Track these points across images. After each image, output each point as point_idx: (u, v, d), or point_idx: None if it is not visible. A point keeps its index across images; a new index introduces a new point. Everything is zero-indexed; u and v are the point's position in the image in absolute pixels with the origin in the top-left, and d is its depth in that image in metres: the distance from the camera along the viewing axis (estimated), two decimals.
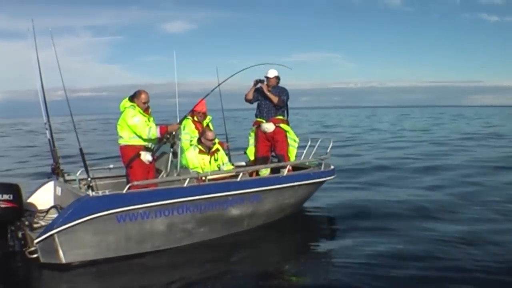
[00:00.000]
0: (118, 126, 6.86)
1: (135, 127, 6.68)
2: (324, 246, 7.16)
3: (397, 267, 5.76)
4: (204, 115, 8.14)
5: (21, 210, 6.06)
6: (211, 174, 6.96)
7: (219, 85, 8.09)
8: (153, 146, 6.94)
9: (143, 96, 6.90)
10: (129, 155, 6.79)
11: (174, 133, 6.90)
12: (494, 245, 6.51)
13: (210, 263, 6.20)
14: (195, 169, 7.33)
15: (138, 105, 6.84)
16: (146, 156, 6.78)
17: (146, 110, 6.95)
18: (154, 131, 6.71)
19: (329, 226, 8.19)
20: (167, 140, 6.92)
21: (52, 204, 6.76)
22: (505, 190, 10.24)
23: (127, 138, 6.79)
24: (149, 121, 6.87)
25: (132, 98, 6.92)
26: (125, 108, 6.84)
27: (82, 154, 6.38)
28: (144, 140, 6.79)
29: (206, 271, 5.96)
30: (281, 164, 7.85)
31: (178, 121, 7.26)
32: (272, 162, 8.49)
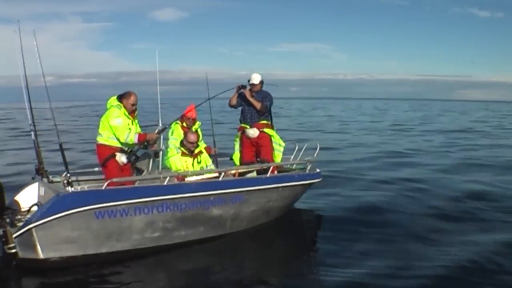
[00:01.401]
0: (100, 123, 6.92)
1: (116, 129, 6.74)
2: (309, 251, 7.24)
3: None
4: (193, 121, 8.22)
5: (3, 208, 6.12)
6: (191, 174, 7.00)
7: (209, 98, 8.32)
8: (129, 149, 6.99)
9: (132, 97, 6.95)
10: (105, 154, 6.85)
11: (151, 142, 7.00)
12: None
13: (190, 268, 6.28)
14: (178, 171, 7.38)
15: (125, 106, 6.90)
16: (121, 158, 6.84)
17: (132, 112, 7.00)
18: (132, 137, 6.78)
19: (316, 230, 8.20)
20: (144, 147, 7.02)
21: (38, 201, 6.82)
22: None
23: (105, 137, 6.85)
24: (132, 124, 6.93)
25: (120, 98, 6.96)
26: (111, 106, 6.90)
27: (61, 150, 6.47)
28: (121, 143, 6.85)
29: (187, 276, 6.06)
30: (264, 165, 7.88)
31: (159, 124, 7.33)
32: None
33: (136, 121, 7.06)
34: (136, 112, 7.11)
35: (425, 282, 5.60)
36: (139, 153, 7.21)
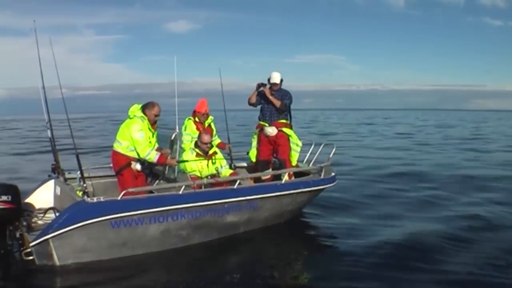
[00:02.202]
0: (119, 130, 6.89)
1: (138, 143, 6.72)
2: (320, 250, 7.26)
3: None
4: (206, 116, 8.15)
5: (19, 211, 6.14)
6: (207, 182, 6.98)
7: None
8: (145, 161, 6.98)
9: (155, 108, 6.90)
10: (121, 163, 6.86)
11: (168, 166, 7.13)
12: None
13: (204, 264, 6.29)
14: (193, 172, 7.38)
15: (148, 117, 6.85)
16: (136, 166, 6.86)
17: (153, 123, 6.96)
18: (152, 157, 6.78)
19: (329, 230, 8.16)
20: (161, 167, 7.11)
21: (51, 203, 6.90)
22: None
23: (124, 146, 6.84)
24: (152, 137, 6.91)
25: (144, 109, 6.90)
26: (134, 115, 6.85)
27: (78, 159, 6.45)
28: (139, 155, 6.84)
29: (200, 272, 6.06)
30: (280, 171, 7.82)
31: (176, 129, 7.28)
32: (274, 165, 8.52)
33: (156, 133, 7.03)
34: (156, 125, 7.07)
35: None
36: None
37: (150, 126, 6.86)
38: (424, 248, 6.82)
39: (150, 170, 7.28)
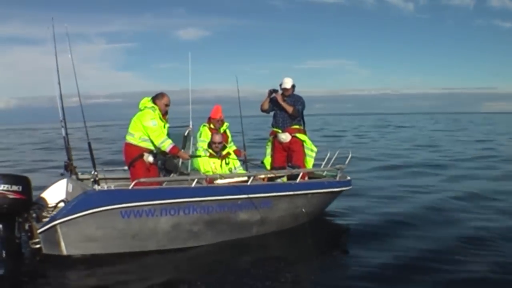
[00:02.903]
0: (131, 123, 6.86)
1: (151, 130, 6.68)
2: (336, 255, 7.02)
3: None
4: (221, 122, 8.13)
5: (29, 202, 6.10)
6: (220, 178, 6.87)
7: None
8: (157, 151, 6.91)
9: (165, 98, 6.93)
10: (133, 155, 6.78)
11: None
12: None
13: (215, 265, 6.11)
14: (206, 173, 7.27)
15: (159, 107, 6.86)
16: (148, 158, 6.76)
17: (164, 114, 6.96)
18: (167, 145, 6.72)
19: (346, 234, 7.98)
20: (172, 158, 7.03)
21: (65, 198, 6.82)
22: None
23: (137, 137, 6.79)
24: (164, 127, 6.89)
25: (154, 99, 6.93)
26: (144, 107, 6.85)
27: (90, 148, 6.44)
28: (153, 145, 6.78)
29: (210, 273, 5.88)
30: (294, 170, 7.69)
31: (190, 125, 7.24)
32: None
33: (167, 125, 7.00)
34: (167, 116, 7.06)
35: None
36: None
37: (161, 117, 6.84)
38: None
39: (164, 166, 7.19)
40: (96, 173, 6.42)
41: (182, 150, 6.97)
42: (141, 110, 6.85)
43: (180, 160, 7.23)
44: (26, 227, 6.04)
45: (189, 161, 7.34)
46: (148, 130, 6.69)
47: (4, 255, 5.89)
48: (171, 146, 6.73)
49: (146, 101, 6.91)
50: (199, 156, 7.27)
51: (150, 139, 6.75)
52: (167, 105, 6.94)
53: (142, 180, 6.16)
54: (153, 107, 6.83)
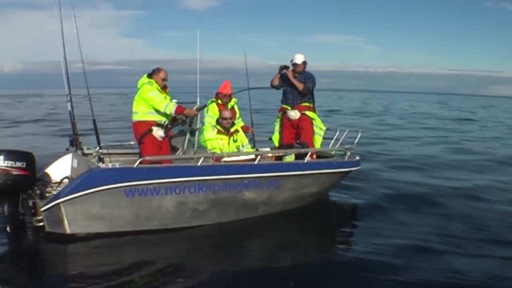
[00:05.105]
0: (133, 102, 6.78)
1: (152, 99, 6.58)
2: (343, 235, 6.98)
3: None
4: (229, 98, 7.99)
5: (33, 179, 6.04)
6: (227, 156, 6.76)
7: (248, 89, 8.38)
8: (166, 123, 6.81)
9: (162, 73, 6.82)
10: (141, 130, 6.69)
11: (188, 118, 6.86)
12: None
13: (219, 245, 6.07)
14: (214, 150, 7.15)
15: (156, 81, 6.76)
16: (158, 132, 6.66)
17: (163, 88, 6.85)
18: (171, 107, 6.58)
19: (353, 214, 7.92)
20: (181, 121, 6.81)
21: (68, 174, 6.76)
22: None
23: (141, 113, 6.70)
24: (165, 99, 6.76)
25: (150, 75, 6.85)
26: (142, 84, 6.76)
27: (95, 125, 6.35)
28: (159, 113, 6.68)
29: (215, 253, 5.85)
30: (302, 150, 7.56)
31: (198, 103, 7.10)
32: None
33: (169, 97, 6.86)
34: (168, 89, 6.94)
35: None
36: (174, 131, 7.03)
37: (160, 90, 6.75)
38: None
39: (170, 144, 7.09)
40: (100, 150, 6.32)
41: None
42: (139, 89, 6.76)
43: (187, 138, 7.11)
44: (30, 203, 5.99)
45: (196, 138, 7.22)
46: (150, 101, 6.61)
47: (8, 230, 5.88)
48: (175, 107, 6.61)
49: (143, 79, 6.83)
50: (204, 137, 7.14)
51: (154, 109, 6.66)
52: (164, 79, 6.83)
53: (147, 158, 6.07)
54: (149, 81, 6.74)
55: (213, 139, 7.24)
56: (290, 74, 8.00)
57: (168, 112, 6.64)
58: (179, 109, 6.64)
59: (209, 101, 7.98)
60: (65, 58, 6.41)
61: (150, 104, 6.62)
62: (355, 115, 33.25)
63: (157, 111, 6.65)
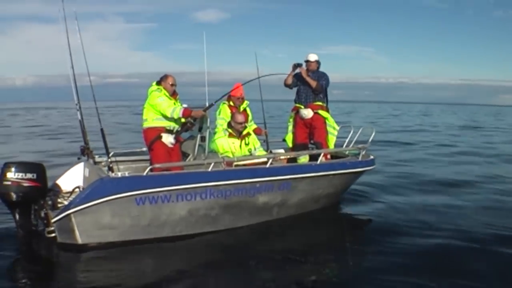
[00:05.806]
0: (143, 110, 6.80)
1: (160, 105, 6.58)
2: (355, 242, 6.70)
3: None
4: (241, 100, 7.90)
5: (45, 190, 6.05)
6: (238, 160, 6.67)
7: (259, 77, 8.10)
8: (176, 129, 6.77)
9: (169, 78, 6.81)
10: (151, 137, 6.68)
11: (197, 119, 6.78)
12: None
13: (233, 251, 6.00)
14: (225, 154, 7.06)
15: (164, 88, 6.75)
16: (168, 138, 6.63)
17: (173, 94, 6.84)
18: (178, 111, 6.57)
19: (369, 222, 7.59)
20: (190, 124, 6.76)
21: (80, 184, 6.75)
22: None
23: (150, 120, 6.71)
24: (175, 104, 6.75)
25: (159, 82, 6.84)
26: (151, 91, 6.77)
27: (103, 134, 6.33)
28: (168, 119, 6.65)
29: (228, 259, 5.77)
30: (315, 151, 7.46)
31: (206, 105, 7.04)
32: (310, 149, 8.16)
33: (179, 103, 6.83)
34: (177, 96, 6.92)
35: None
36: (184, 136, 6.98)
37: (169, 96, 6.75)
38: None
39: (180, 150, 7.04)
40: (109, 160, 6.30)
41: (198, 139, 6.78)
42: (148, 96, 6.79)
43: (197, 143, 7.05)
44: (42, 214, 5.99)
45: (207, 143, 7.15)
46: (158, 107, 6.61)
47: (21, 241, 5.91)
48: (182, 110, 6.61)
49: (152, 86, 6.83)
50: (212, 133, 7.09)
51: (163, 116, 6.65)
52: (172, 85, 6.82)
53: (157, 166, 6.03)
54: (158, 88, 6.75)
55: (224, 143, 7.15)
56: (303, 72, 7.95)
57: (175, 116, 6.62)
58: (186, 112, 6.62)
59: (221, 103, 7.91)
60: (72, 67, 6.37)
61: (158, 110, 6.62)
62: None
63: (166, 117, 6.64)
